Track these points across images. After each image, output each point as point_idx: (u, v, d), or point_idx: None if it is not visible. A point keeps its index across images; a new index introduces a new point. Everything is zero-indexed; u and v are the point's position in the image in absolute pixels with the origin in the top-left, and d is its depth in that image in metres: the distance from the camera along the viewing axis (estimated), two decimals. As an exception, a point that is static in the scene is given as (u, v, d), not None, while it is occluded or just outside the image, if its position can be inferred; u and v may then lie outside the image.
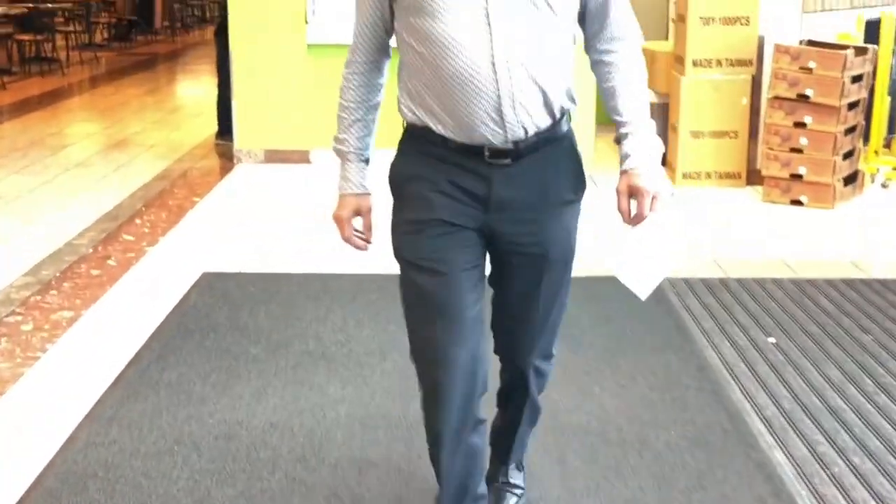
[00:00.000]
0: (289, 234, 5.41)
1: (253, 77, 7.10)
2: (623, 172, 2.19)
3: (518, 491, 2.74)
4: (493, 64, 2.07)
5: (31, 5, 13.29)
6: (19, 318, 4.20)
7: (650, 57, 7.06)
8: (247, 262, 4.91)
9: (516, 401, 2.57)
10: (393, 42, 2.30)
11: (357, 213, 2.35)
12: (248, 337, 3.91)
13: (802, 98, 5.93)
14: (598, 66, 2.26)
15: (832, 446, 3.11)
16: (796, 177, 6.01)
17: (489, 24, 2.06)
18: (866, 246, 5.30)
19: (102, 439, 3.09)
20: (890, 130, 6.65)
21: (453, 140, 2.15)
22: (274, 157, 7.19)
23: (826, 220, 5.77)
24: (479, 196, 2.18)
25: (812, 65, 5.88)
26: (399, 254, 2.26)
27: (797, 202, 6.02)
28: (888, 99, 6.46)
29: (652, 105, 7.33)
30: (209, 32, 11.07)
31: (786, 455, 3.06)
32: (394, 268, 2.32)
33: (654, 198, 2.15)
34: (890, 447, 3.10)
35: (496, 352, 2.47)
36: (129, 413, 3.27)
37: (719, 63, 6.40)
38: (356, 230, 2.38)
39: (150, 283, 4.63)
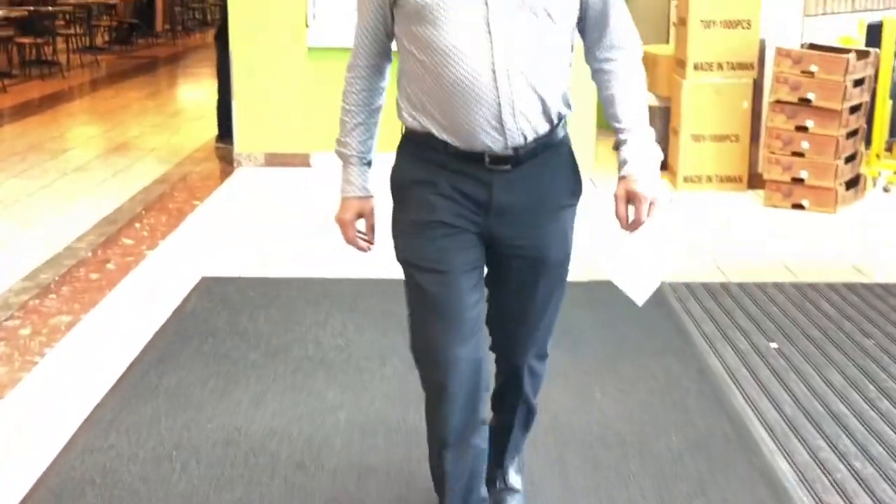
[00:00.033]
0: (289, 238, 5.39)
1: (253, 80, 7.08)
2: (621, 178, 2.21)
3: (518, 495, 2.73)
4: (494, 72, 2.09)
5: (31, 8, 13.28)
6: (17, 322, 4.18)
7: (651, 60, 7.05)
8: (247, 265, 4.89)
9: (510, 401, 2.58)
10: (393, 45, 2.31)
11: (360, 215, 2.37)
12: (248, 342, 3.89)
13: (804, 102, 5.91)
14: (598, 74, 2.29)
15: (834, 452, 3.09)
16: (798, 180, 5.99)
17: (490, 33, 2.08)
18: (868, 250, 5.28)
19: (101, 445, 3.08)
20: (892, 134, 6.63)
21: (454, 146, 2.17)
22: (274, 160, 7.17)
23: (828, 223, 5.75)
24: (479, 201, 2.20)
25: (814, 68, 5.86)
26: (401, 255, 2.28)
27: (799, 206, 6.00)
28: (890, 102, 6.44)
29: (653, 108, 7.38)
30: (210, 35, 11.07)
31: (787, 461, 3.04)
32: (394, 273, 2.32)
33: (651, 204, 2.18)
34: (892, 453, 3.08)
35: (492, 350, 2.48)
36: (127, 418, 3.25)
37: (720, 66, 6.39)
38: (359, 232, 2.40)
39: (150, 288, 4.61)
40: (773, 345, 3.93)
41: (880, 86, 6.31)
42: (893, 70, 6.39)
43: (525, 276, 2.32)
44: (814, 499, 2.83)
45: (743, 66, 6.39)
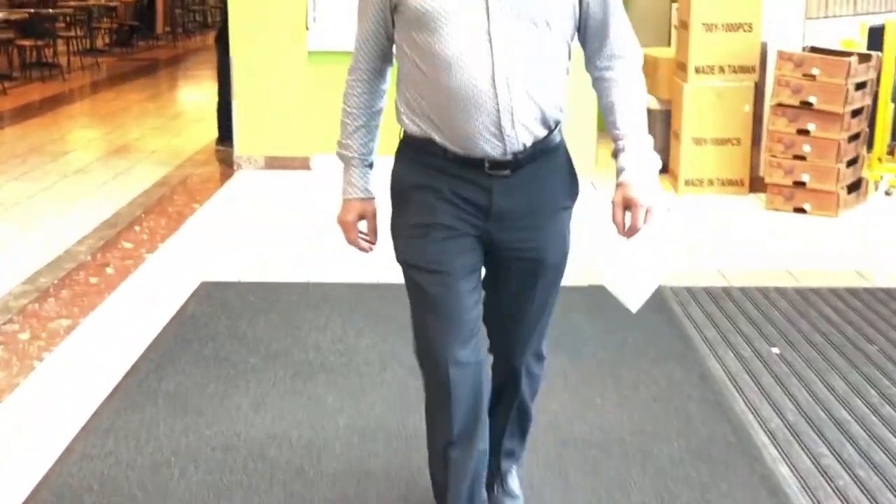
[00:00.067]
0: (289, 241, 5.38)
1: (253, 83, 7.07)
2: (618, 185, 2.22)
3: (517, 501, 2.72)
4: (494, 81, 2.12)
5: (32, 10, 13.27)
6: (16, 326, 4.17)
7: (652, 63, 7.04)
8: (246, 269, 4.88)
9: (506, 401, 2.58)
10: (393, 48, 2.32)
11: (362, 216, 2.39)
12: (247, 346, 3.88)
13: (806, 105, 5.89)
14: (598, 82, 2.31)
15: (837, 459, 3.07)
16: (799, 184, 5.97)
17: (490, 43, 2.11)
18: (870, 254, 5.26)
19: (99, 451, 3.06)
20: (894, 137, 6.61)
21: (453, 152, 2.19)
22: (274, 163, 7.16)
23: (829, 227, 5.73)
24: (479, 206, 2.22)
25: (815, 72, 5.84)
26: (402, 257, 2.30)
27: (800, 210, 5.98)
28: (892, 106, 6.43)
29: (654, 112, 7.36)
30: (211, 38, 11.05)
31: (790, 468, 3.02)
32: (394, 276, 2.33)
33: (647, 211, 2.18)
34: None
35: (490, 351, 2.50)
36: (126, 424, 3.24)
37: (722, 70, 6.37)
38: (361, 233, 2.42)
39: (149, 291, 4.60)
40: (775, 350, 3.91)
41: (882, 89, 6.30)
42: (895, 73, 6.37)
43: (525, 277, 2.34)
44: (816, 506, 2.82)
45: (744, 70, 6.38)
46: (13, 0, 15.19)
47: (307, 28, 6.99)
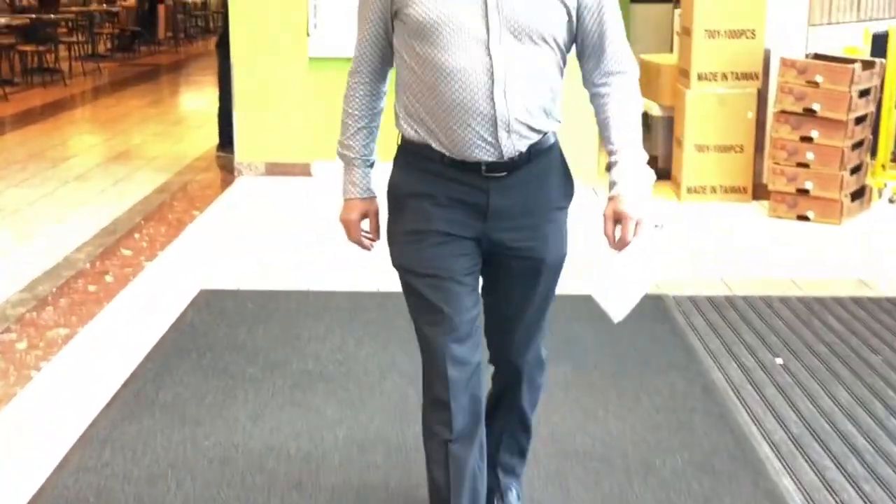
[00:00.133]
0: (289, 248, 5.35)
1: (254, 89, 7.05)
2: (610, 198, 2.27)
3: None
4: (492, 93, 2.16)
5: (33, 16, 13.27)
6: (14, 335, 4.13)
7: (655, 70, 7.01)
8: (247, 276, 4.85)
9: (506, 407, 2.59)
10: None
11: (364, 215, 2.43)
12: (246, 356, 3.84)
13: (809, 112, 5.86)
14: (594, 98, 2.35)
15: (842, 472, 3.03)
16: (803, 192, 5.94)
17: (490, 57, 2.15)
18: (874, 262, 5.22)
19: (95, 463, 3.03)
20: (897, 144, 6.57)
21: (450, 157, 2.23)
22: (275, 169, 7.13)
23: (833, 235, 5.69)
24: (477, 206, 2.26)
25: (819, 79, 5.81)
26: (397, 262, 2.33)
27: (804, 217, 5.94)
28: (896, 113, 6.39)
29: (656, 118, 7.31)
30: (212, 43, 11.03)
31: (794, 481, 2.98)
32: (393, 285, 2.34)
33: (637, 224, 2.24)
34: (901, 473, 3.03)
35: (491, 360, 2.52)
36: (122, 435, 3.20)
37: (725, 76, 6.34)
38: (364, 231, 2.45)
39: (148, 300, 4.57)
40: (779, 360, 3.87)
41: (886, 96, 6.26)
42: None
43: (524, 277, 2.36)
44: (821, 521, 2.78)
45: (747, 76, 6.35)
46: (15, 5, 15.20)
47: (308, 34, 6.97)
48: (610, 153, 2.29)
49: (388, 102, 2.41)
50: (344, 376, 3.67)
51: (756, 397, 3.54)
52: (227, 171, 7.30)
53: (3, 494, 2.88)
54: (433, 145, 2.23)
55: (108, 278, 4.88)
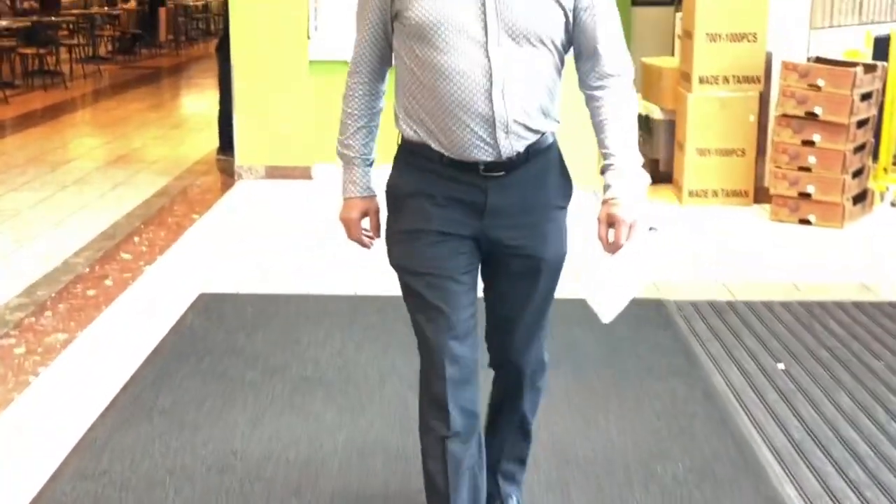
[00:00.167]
0: (290, 251, 5.33)
1: (254, 92, 7.03)
2: (604, 202, 2.29)
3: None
4: (490, 95, 2.18)
5: (34, 18, 13.26)
6: (12, 340, 4.12)
7: (656, 73, 7.00)
8: (246, 280, 4.83)
9: (507, 411, 2.59)
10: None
11: (365, 213, 2.45)
12: (245, 361, 3.82)
13: (811, 116, 5.84)
14: (589, 101, 2.36)
15: (844, 479, 3.01)
16: (804, 195, 5.92)
17: (488, 59, 2.17)
18: (876, 267, 5.20)
19: (93, 470, 3.01)
20: (899, 148, 6.55)
21: (449, 157, 2.25)
22: (275, 173, 7.11)
23: (835, 239, 5.67)
24: (475, 205, 2.27)
25: (821, 82, 5.79)
26: (395, 261, 2.35)
27: (805, 221, 5.92)
28: (897, 116, 6.37)
29: (658, 122, 7.27)
30: (213, 46, 11.02)
31: (796, 488, 2.96)
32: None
33: (631, 228, 2.25)
34: (904, 480, 3.01)
35: (491, 364, 2.52)
36: (120, 442, 3.19)
37: (726, 80, 6.32)
38: (364, 230, 2.47)
39: (147, 304, 4.55)
40: (781, 365, 3.85)
41: (888, 100, 6.24)
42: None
43: (524, 275, 2.36)
44: (823, 528, 2.76)
45: (749, 80, 6.33)
46: (16, 8, 15.20)
47: (308, 37, 6.95)
48: (605, 156, 2.30)
49: (387, 103, 2.42)
50: (343, 381, 3.65)
51: (757, 403, 3.53)
52: (228, 174, 7.28)
53: (0, 501, 2.87)
54: (432, 145, 2.25)
55: (108, 282, 4.86)
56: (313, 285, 4.74)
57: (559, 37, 2.24)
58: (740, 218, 6.12)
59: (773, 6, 6.30)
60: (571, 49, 2.33)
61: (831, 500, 2.90)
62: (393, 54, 2.34)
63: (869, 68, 5.99)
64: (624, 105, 2.31)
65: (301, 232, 5.68)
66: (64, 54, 13.80)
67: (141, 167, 7.73)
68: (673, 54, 7.71)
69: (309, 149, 6.90)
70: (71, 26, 15.13)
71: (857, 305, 4.53)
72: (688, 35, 6.52)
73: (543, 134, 2.29)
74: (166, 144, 8.85)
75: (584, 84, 2.35)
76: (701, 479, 3.00)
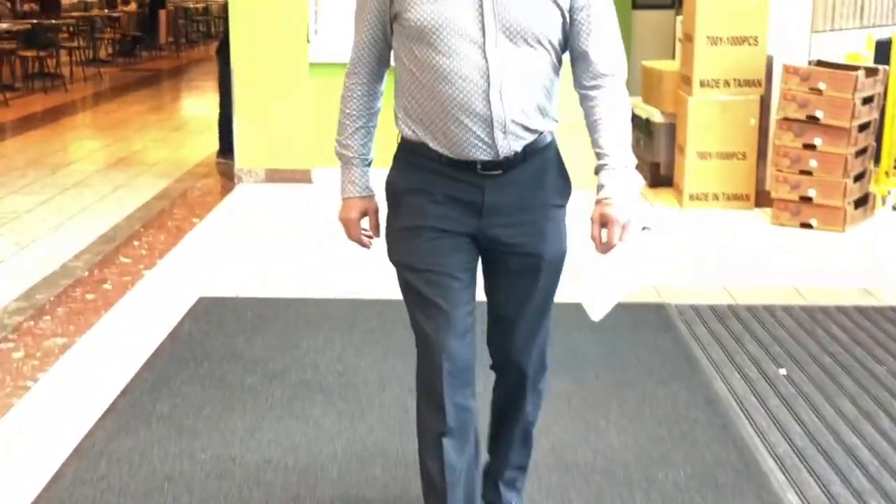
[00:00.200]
0: (289, 254, 5.32)
1: (254, 96, 7.02)
2: (597, 202, 2.30)
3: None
4: (488, 95, 2.20)
5: (34, 21, 13.25)
6: (11, 345, 4.10)
7: (657, 76, 6.98)
8: (246, 284, 4.81)
9: (510, 416, 2.58)
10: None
11: (364, 213, 2.46)
12: (244, 366, 3.81)
13: (812, 119, 5.83)
14: (583, 100, 2.37)
15: (847, 487, 2.99)
16: (806, 199, 5.90)
17: (486, 60, 2.19)
18: (878, 270, 5.18)
19: (90, 476, 2.99)
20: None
21: (447, 156, 2.27)
22: (275, 176, 7.10)
23: (836, 243, 5.65)
24: (473, 203, 2.29)
25: (822, 86, 5.78)
26: (394, 257, 2.37)
27: (807, 225, 5.91)
28: (899, 120, 6.35)
29: (658, 125, 7.26)
30: (213, 48, 11.03)
31: (798, 496, 2.95)
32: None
33: (623, 228, 2.26)
34: (907, 487, 2.99)
35: (493, 366, 2.53)
36: (118, 448, 3.17)
37: (727, 83, 6.31)
38: (363, 229, 2.49)
39: (146, 308, 4.53)
40: (783, 371, 3.84)
41: (889, 103, 6.23)
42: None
43: (524, 273, 2.37)
44: (826, 536, 2.74)
45: (750, 83, 6.31)
46: (16, 10, 15.20)
47: (308, 40, 6.94)
48: (598, 156, 2.31)
49: (385, 104, 2.43)
50: (343, 387, 3.64)
51: (759, 409, 3.51)
52: (228, 177, 7.26)
53: (-3, 508, 2.85)
54: (431, 145, 2.27)
55: (107, 286, 4.84)
56: (313, 288, 4.73)
57: (556, 37, 2.25)
58: (741, 222, 6.10)
59: (773, 9, 6.28)
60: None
61: (834, 507, 2.89)
62: (392, 55, 2.36)
63: (870, 72, 5.98)
64: (618, 105, 2.32)
65: (301, 235, 5.66)
66: (64, 57, 13.79)
67: (141, 170, 7.72)
68: (673, 58, 7.70)
69: (309, 152, 6.89)
70: (71, 29, 15.12)
71: (860, 310, 4.51)
72: (688, 38, 6.51)
73: (542, 133, 2.31)
74: (166, 147, 8.84)
75: (578, 83, 2.36)
76: (702, 485, 2.98)
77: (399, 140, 2.36)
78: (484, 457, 2.70)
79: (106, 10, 17.45)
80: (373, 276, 4.65)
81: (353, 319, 4.31)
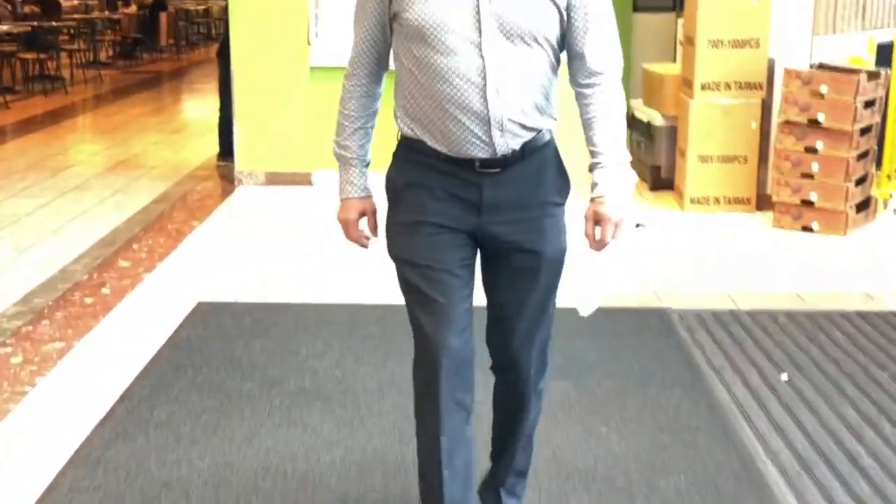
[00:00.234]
0: (290, 258, 5.30)
1: (255, 98, 7.00)
2: (591, 200, 2.34)
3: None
4: (485, 93, 2.22)
5: (35, 23, 13.24)
6: (9, 349, 4.08)
7: (658, 80, 6.96)
8: (246, 287, 4.80)
9: (510, 421, 2.58)
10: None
11: (363, 214, 2.48)
12: (242, 372, 3.79)
13: (814, 123, 5.81)
14: (578, 97, 2.40)
15: (849, 494, 2.97)
16: (807, 203, 5.88)
17: (482, 59, 2.21)
18: (880, 276, 5.16)
19: (87, 484, 2.97)
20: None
21: (445, 154, 2.29)
22: (275, 179, 7.08)
23: (838, 247, 5.63)
24: (471, 201, 2.31)
25: (824, 89, 5.76)
26: (393, 252, 2.38)
27: (808, 229, 5.88)
28: (901, 123, 6.33)
29: (659, 128, 7.24)
30: (214, 50, 11.01)
31: (800, 503, 2.92)
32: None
33: (616, 226, 2.30)
34: (910, 495, 2.97)
35: (493, 367, 2.53)
36: (116, 455, 3.15)
37: (728, 86, 6.29)
38: (361, 230, 2.50)
39: (145, 312, 4.51)
40: (784, 377, 3.81)
41: (891, 106, 6.20)
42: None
43: (524, 270, 2.38)
44: (828, 545, 2.72)
45: (751, 87, 6.29)
46: (17, 13, 15.18)
47: (309, 43, 6.92)
48: (592, 154, 2.34)
49: (384, 106, 2.44)
50: (342, 394, 3.61)
51: (761, 415, 3.48)
52: (228, 180, 7.24)
53: (-7, 516, 2.83)
54: (429, 143, 2.29)
55: (106, 290, 4.83)
56: (313, 292, 4.71)
57: (554, 35, 2.27)
58: (742, 225, 6.08)
59: (775, 12, 6.26)
60: None
61: (836, 515, 2.87)
62: (392, 55, 2.38)
63: (872, 75, 5.95)
64: (613, 103, 2.34)
65: (301, 238, 5.64)
66: (64, 59, 13.79)
67: (141, 173, 7.70)
68: (674, 60, 7.68)
69: (309, 155, 6.87)
70: (72, 31, 15.10)
71: (862, 316, 4.49)
72: (689, 41, 6.49)
73: (540, 131, 2.32)
74: (167, 150, 8.82)
75: (574, 81, 2.37)
76: (704, 493, 2.96)
77: (399, 137, 2.38)
78: (485, 463, 2.69)
79: (106, 13, 17.44)
80: (373, 280, 4.64)
81: (353, 325, 4.29)
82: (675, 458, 3.17)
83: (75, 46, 14.74)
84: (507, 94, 2.22)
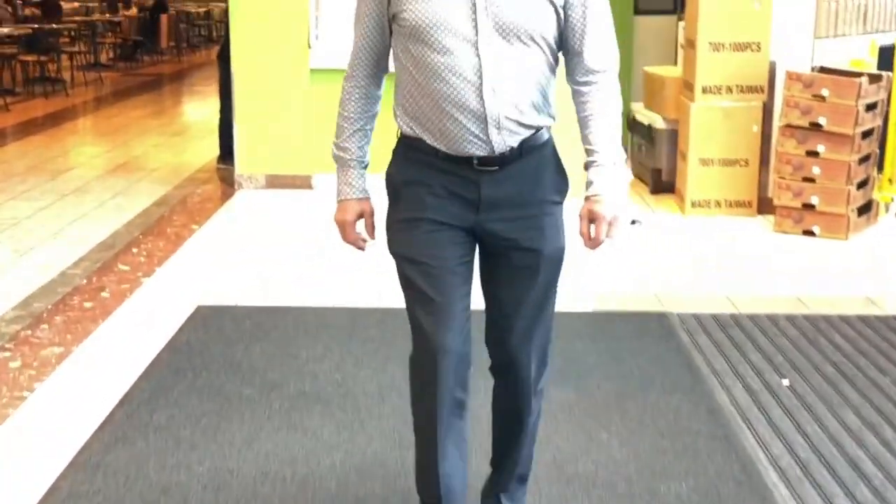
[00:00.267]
0: (290, 261, 5.30)
1: (255, 101, 7.00)
2: (586, 198, 2.34)
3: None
4: (482, 92, 2.23)
5: (35, 25, 13.24)
6: (8, 354, 4.07)
7: (659, 83, 6.95)
8: (246, 292, 4.79)
9: (510, 424, 2.58)
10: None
11: (361, 215, 2.49)
12: (242, 376, 3.77)
13: (815, 126, 5.80)
14: (575, 95, 2.39)
15: (850, 499, 2.96)
16: (809, 206, 5.87)
17: (479, 57, 2.22)
18: (881, 279, 5.15)
19: (86, 489, 2.96)
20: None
21: (444, 152, 2.31)
22: (275, 182, 7.08)
23: (839, 251, 5.62)
24: (469, 199, 2.32)
25: (825, 92, 5.75)
26: (393, 248, 2.39)
27: (809, 232, 5.87)
28: (902, 126, 6.31)
29: (660, 131, 7.24)
30: (215, 53, 11.01)
31: (802, 509, 2.91)
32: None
33: (611, 224, 2.31)
34: (912, 501, 2.96)
35: (492, 367, 2.52)
36: (115, 460, 3.13)
37: (729, 90, 6.28)
38: (359, 232, 2.51)
39: (145, 317, 4.50)
40: (786, 381, 3.80)
41: (893, 110, 6.19)
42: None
43: (523, 268, 2.38)
44: (830, 551, 2.71)
45: (752, 90, 6.29)
46: (17, 15, 15.19)
47: (309, 46, 6.92)
48: (588, 152, 2.34)
49: (383, 108, 2.45)
50: (342, 398, 3.60)
51: (762, 420, 3.47)
52: (228, 183, 7.24)
53: (-9, 521, 2.82)
54: (427, 141, 2.31)
55: (105, 294, 4.82)
56: (313, 296, 4.70)
57: (551, 34, 2.28)
58: (743, 229, 6.07)
59: (776, 15, 6.26)
60: None
61: (838, 520, 2.85)
62: (391, 56, 2.40)
63: (874, 78, 5.94)
64: (609, 101, 2.35)
65: (301, 241, 5.64)
66: (65, 61, 13.79)
67: (141, 175, 7.70)
68: (675, 63, 7.67)
69: (310, 158, 6.87)
70: (72, 33, 15.12)
71: (863, 320, 4.48)
72: (690, 44, 6.48)
73: (538, 130, 2.33)
74: (167, 152, 8.82)
75: (570, 79, 2.39)
76: (705, 498, 2.95)
77: (398, 135, 2.39)
78: (485, 470, 2.68)
79: (107, 15, 17.44)
80: (373, 283, 4.63)
81: (352, 328, 4.28)
82: (675, 463, 3.16)
83: (76, 49, 14.75)
84: (504, 92, 2.23)
